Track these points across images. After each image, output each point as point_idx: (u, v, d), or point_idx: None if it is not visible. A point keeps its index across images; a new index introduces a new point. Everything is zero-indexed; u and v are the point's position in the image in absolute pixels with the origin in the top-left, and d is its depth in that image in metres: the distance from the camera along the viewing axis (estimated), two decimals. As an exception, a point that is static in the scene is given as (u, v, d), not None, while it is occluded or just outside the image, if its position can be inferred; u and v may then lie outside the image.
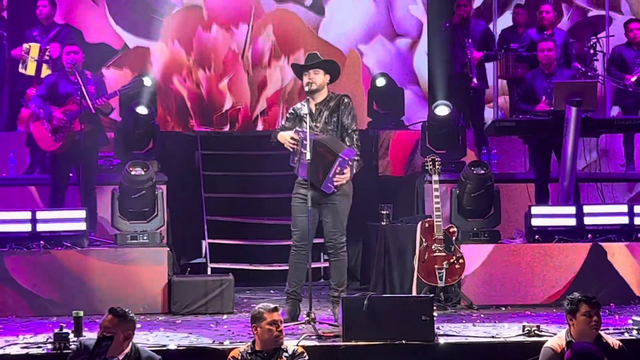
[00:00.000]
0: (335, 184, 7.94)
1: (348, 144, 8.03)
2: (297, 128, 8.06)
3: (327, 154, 7.90)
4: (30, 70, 10.61)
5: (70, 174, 9.96)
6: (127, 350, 5.93)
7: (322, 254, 10.24)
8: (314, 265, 8.66)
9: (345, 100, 8.13)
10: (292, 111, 8.28)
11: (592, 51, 12.12)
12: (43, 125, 9.67)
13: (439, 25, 11.81)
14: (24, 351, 7.02)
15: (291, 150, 8.06)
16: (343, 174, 7.94)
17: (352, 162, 7.98)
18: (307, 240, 8.03)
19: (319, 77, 8.05)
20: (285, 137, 8.08)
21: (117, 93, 10.02)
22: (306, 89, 8.06)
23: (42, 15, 10.88)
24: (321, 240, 8.52)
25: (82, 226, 9.09)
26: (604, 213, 9.60)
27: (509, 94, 12.11)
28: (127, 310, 6.00)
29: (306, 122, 7.92)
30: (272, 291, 10.12)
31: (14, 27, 11.60)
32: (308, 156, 7.79)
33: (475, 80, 11.01)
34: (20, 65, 10.70)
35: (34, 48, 10.62)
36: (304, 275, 8.14)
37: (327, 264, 8.13)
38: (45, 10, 10.84)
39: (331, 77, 8.16)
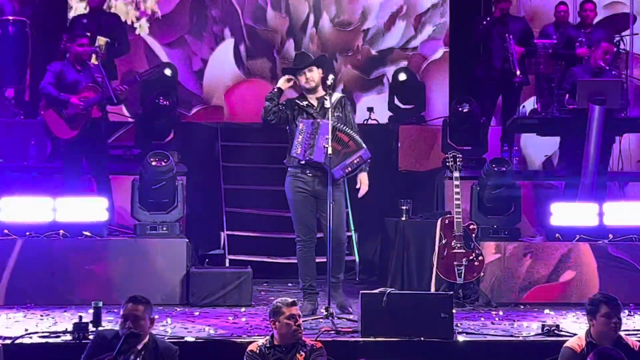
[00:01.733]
0: (346, 171, 8.08)
1: None
2: (303, 120, 8.15)
3: (349, 142, 8.07)
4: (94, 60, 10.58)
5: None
6: (145, 340, 5.94)
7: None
8: (322, 259, 8.73)
9: (343, 101, 8.35)
10: (289, 100, 8.39)
11: (615, 49, 12.02)
12: (57, 112, 9.64)
13: (470, 21, 11.74)
14: (43, 340, 7.03)
15: (287, 83, 8.23)
16: (357, 167, 8.12)
17: (368, 161, 8.21)
18: (313, 234, 8.21)
19: (314, 74, 8.26)
20: (281, 80, 8.29)
21: (137, 79, 10.01)
22: (307, 87, 8.25)
23: (94, 3, 10.97)
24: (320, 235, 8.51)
25: (103, 216, 9.09)
26: (626, 212, 9.52)
27: (536, 91, 12.03)
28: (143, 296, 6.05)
29: (319, 114, 8.15)
30: (290, 284, 10.11)
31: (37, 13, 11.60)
32: (330, 150, 7.91)
33: (519, 73, 10.93)
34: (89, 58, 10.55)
35: (102, 42, 10.64)
36: (315, 268, 8.28)
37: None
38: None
39: (323, 71, 8.34)
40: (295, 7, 13.08)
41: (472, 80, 11.58)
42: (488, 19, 11.32)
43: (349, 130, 8.14)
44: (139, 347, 5.89)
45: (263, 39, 13.14)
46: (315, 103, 8.25)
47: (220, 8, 13.05)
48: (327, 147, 7.90)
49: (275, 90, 8.29)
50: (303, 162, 8.08)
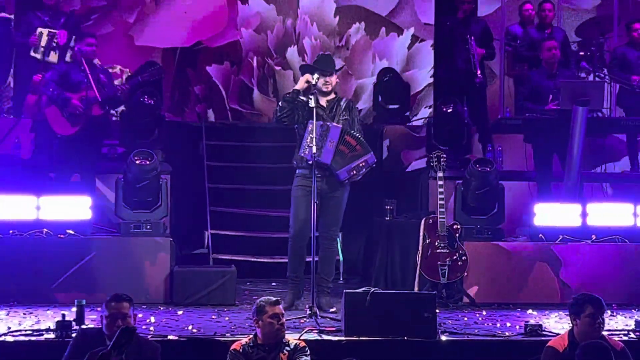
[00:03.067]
0: (351, 174, 8.26)
1: None
2: (311, 121, 8.20)
3: (357, 146, 8.26)
4: (39, 54, 10.58)
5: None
6: None
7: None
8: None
9: (351, 105, 8.57)
10: (297, 96, 8.43)
11: (598, 54, 12.07)
12: (59, 109, 9.65)
13: (441, 24, 11.81)
14: (26, 339, 7.02)
15: (305, 135, 8.19)
16: (362, 171, 8.30)
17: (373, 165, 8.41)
18: (307, 230, 8.28)
19: (333, 79, 8.47)
20: (301, 81, 8.39)
21: (139, 79, 10.04)
22: (324, 89, 8.40)
23: (50, 1, 10.86)
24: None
25: (86, 214, 9.07)
26: (609, 213, 9.56)
27: (514, 92, 12.06)
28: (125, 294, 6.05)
29: (327, 116, 8.36)
30: (274, 283, 10.11)
31: (21, 11, 11.56)
32: (331, 145, 8.16)
33: (479, 74, 10.97)
34: (31, 50, 10.63)
35: (44, 34, 10.60)
36: (304, 263, 8.46)
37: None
38: None
39: (339, 76, 8.68)
40: (283, 88, 12.68)
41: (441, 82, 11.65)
42: (449, 21, 11.37)
43: (357, 134, 8.32)
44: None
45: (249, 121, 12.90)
46: (325, 105, 8.42)
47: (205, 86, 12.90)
48: (335, 151, 8.17)
49: (294, 91, 8.42)
50: (311, 162, 8.15)
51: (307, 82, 8.34)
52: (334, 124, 8.28)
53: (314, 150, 8.05)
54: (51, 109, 9.73)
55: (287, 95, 8.45)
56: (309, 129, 8.14)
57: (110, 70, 10.82)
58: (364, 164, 8.31)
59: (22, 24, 10.92)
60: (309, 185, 8.19)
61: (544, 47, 10.30)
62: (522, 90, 10.50)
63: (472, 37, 11.04)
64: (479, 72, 10.96)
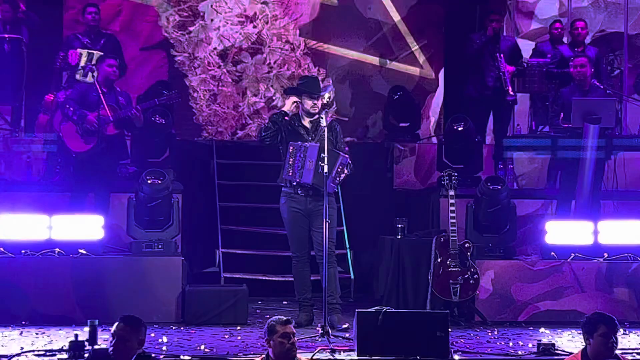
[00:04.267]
0: (337, 180, 8.45)
1: None
2: (292, 142, 8.50)
3: (331, 157, 8.32)
4: (80, 75, 10.63)
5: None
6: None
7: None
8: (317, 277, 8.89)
9: (334, 125, 8.75)
10: (280, 117, 8.72)
11: (609, 68, 12.07)
12: (75, 126, 9.70)
13: (460, 39, 11.80)
14: (39, 359, 7.04)
15: (292, 110, 8.59)
16: (344, 172, 8.45)
17: (349, 165, 8.53)
18: (306, 249, 8.63)
19: (320, 102, 8.65)
20: (288, 102, 8.67)
21: (156, 102, 10.06)
22: (311, 111, 8.60)
23: (91, 22, 11.00)
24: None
25: (98, 234, 9.10)
26: (621, 231, 9.54)
27: (531, 109, 12.06)
28: (137, 316, 6.02)
29: (309, 135, 8.59)
30: (285, 302, 10.11)
31: (33, 31, 11.61)
32: (326, 169, 8.17)
33: (511, 92, 11.00)
34: (76, 72, 10.67)
35: (84, 55, 10.68)
36: (309, 282, 8.71)
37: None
38: (97, 17, 10.95)
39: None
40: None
41: (464, 99, 11.63)
42: (481, 38, 11.38)
43: (330, 147, 8.39)
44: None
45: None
46: (309, 126, 8.63)
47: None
48: (315, 169, 8.34)
49: (281, 112, 8.69)
50: (294, 183, 8.48)
51: (295, 102, 8.61)
52: (312, 143, 8.47)
53: (296, 171, 8.41)
54: (67, 126, 9.75)
55: (274, 115, 8.74)
56: (290, 150, 8.46)
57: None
58: (340, 167, 8.42)
59: (64, 48, 10.97)
60: (297, 206, 8.56)
61: (572, 64, 10.28)
62: (555, 107, 10.48)
63: (502, 55, 11.07)
64: (510, 89, 10.98)
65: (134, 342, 5.89)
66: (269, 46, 12.67)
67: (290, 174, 8.49)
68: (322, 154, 8.28)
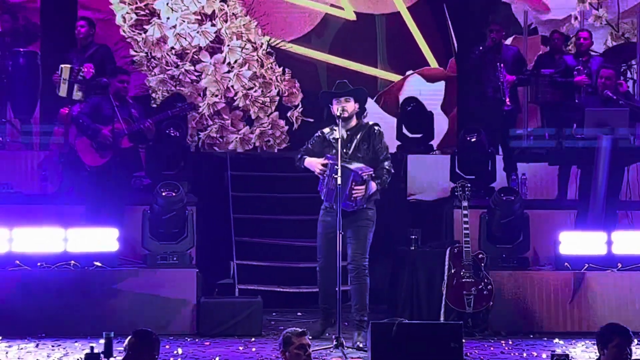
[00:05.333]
0: (352, 197, 8.15)
1: (379, 172, 8.31)
2: (327, 155, 8.21)
3: (345, 175, 8.10)
4: (62, 92, 10.68)
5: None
6: None
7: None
8: (343, 288, 8.77)
9: (376, 128, 8.42)
10: (320, 134, 8.47)
11: (622, 78, 12.06)
12: (89, 140, 9.75)
13: (469, 50, 11.84)
14: (55, 371, 7.09)
15: (321, 176, 8.21)
16: (358, 188, 8.15)
17: (367, 176, 8.19)
18: (332, 265, 8.23)
19: (350, 105, 8.31)
20: (314, 163, 8.32)
21: (169, 114, 10.11)
22: (338, 114, 8.23)
23: (80, 35, 10.96)
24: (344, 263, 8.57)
25: (113, 246, 9.14)
26: (635, 241, 9.53)
27: (541, 120, 12.07)
28: (150, 330, 6.04)
29: (336, 148, 8.17)
30: (299, 313, 10.12)
31: (49, 47, 11.69)
32: (339, 181, 7.98)
33: (508, 102, 11.02)
34: (56, 88, 10.76)
35: (65, 69, 10.68)
36: (333, 292, 8.31)
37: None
38: (84, 30, 10.93)
39: (360, 105, 8.42)
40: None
41: (468, 109, 11.66)
42: (480, 49, 11.42)
43: (353, 162, 8.20)
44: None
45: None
46: (345, 135, 8.28)
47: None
48: (335, 184, 8.03)
49: (301, 166, 8.47)
50: (327, 205, 8.33)
51: (323, 165, 8.25)
52: (354, 166, 8.14)
53: (323, 189, 8.22)
54: (81, 140, 9.82)
55: (297, 161, 8.49)
56: (327, 164, 8.17)
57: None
58: (353, 184, 8.15)
59: (52, 61, 11.02)
60: (329, 221, 8.29)
61: (600, 75, 10.26)
62: (575, 116, 10.46)
63: (502, 65, 11.09)
64: (507, 99, 11.00)
65: (146, 357, 5.91)
66: (229, 45, 12.29)
67: (322, 189, 8.34)
68: (342, 170, 8.04)
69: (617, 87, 10.35)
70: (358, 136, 8.33)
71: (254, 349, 8.16)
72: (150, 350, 5.90)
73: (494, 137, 11.25)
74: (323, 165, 8.25)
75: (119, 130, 9.60)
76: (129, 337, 5.93)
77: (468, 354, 7.68)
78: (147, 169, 10.66)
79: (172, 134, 10.47)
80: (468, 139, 10.68)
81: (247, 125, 12.41)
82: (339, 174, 8.00)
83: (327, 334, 8.44)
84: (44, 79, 11.22)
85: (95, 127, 9.67)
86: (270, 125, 12.49)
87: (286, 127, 12.55)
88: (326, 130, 8.48)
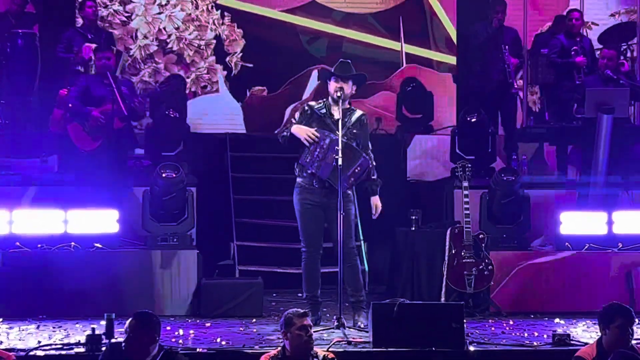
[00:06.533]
0: (351, 181, 8.07)
1: None
2: (320, 129, 8.12)
3: (352, 155, 8.03)
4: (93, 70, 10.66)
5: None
6: (154, 352, 5.95)
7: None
8: (329, 270, 8.81)
9: (364, 119, 8.33)
10: (307, 108, 8.32)
11: (622, 57, 12.02)
12: (80, 125, 9.73)
13: (470, 32, 11.79)
14: (57, 352, 7.08)
15: (307, 144, 8.07)
16: (360, 175, 8.09)
17: (372, 165, 8.20)
18: (318, 244, 8.25)
19: (347, 87, 8.18)
20: (304, 129, 8.11)
21: (157, 90, 10.07)
22: (336, 95, 8.13)
23: (90, 16, 10.96)
24: (330, 245, 8.52)
25: (114, 227, 9.13)
26: (636, 221, 9.52)
27: (541, 100, 12.05)
28: (150, 312, 6.05)
29: (327, 123, 8.13)
30: (299, 294, 10.10)
31: (47, 26, 11.64)
32: (340, 160, 7.90)
33: (516, 85, 11.00)
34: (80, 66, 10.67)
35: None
36: (319, 278, 8.33)
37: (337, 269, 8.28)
38: (91, 11, 10.91)
39: (356, 89, 8.32)
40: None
41: (471, 91, 11.64)
42: (487, 29, 11.37)
43: (353, 144, 8.13)
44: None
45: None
46: (336, 115, 8.14)
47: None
48: (336, 162, 7.92)
49: (286, 135, 8.19)
50: (310, 172, 8.11)
51: (313, 134, 8.07)
52: (337, 137, 7.99)
53: (315, 161, 8.02)
54: (73, 126, 9.79)
55: (282, 134, 8.25)
56: (319, 137, 8.03)
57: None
58: (359, 169, 8.07)
59: (64, 40, 10.98)
60: (312, 199, 8.17)
61: (601, 56, 10.32)
62: (576, 96, 10.45)
63: (507, 47, 11.06)
64: (515, 83, 10.99)
65: (147, 338, 5.91)
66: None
67: (308, 160, 8.06)
68: (347, 150, 7.95)
69: (618, 67, 10.34)
70: (351, 120, 8.22)
71: (254, 330, 8.16)
72: (151, 332, 5.91)
73: (494, 117, 11.25)
74: (313, 134, 8.05)
75: (117, 110, 9.55)
76: (130, 319, 5.94)
77: (469, 334, 7.67)
78: (146, 150, 10.64)
79: (172, 115, 10.44)
80: (468, 119, 10.66)
81: (181, 70, 12.12)
82: (340, 154, 7.90)
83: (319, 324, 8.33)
84: (43, 60, 11.18)
85: (85, 111, 9.64)
86: (206, 70, 12.21)
87: (225, 72, 12.33)
88: (313, 103, 8.33)
